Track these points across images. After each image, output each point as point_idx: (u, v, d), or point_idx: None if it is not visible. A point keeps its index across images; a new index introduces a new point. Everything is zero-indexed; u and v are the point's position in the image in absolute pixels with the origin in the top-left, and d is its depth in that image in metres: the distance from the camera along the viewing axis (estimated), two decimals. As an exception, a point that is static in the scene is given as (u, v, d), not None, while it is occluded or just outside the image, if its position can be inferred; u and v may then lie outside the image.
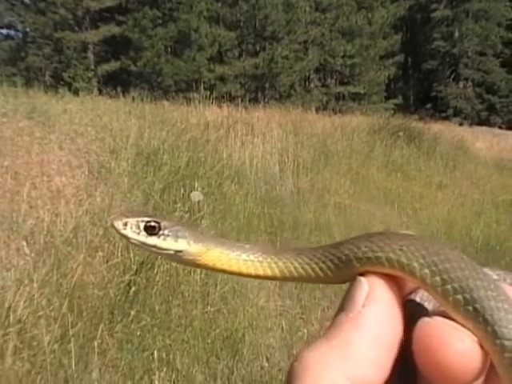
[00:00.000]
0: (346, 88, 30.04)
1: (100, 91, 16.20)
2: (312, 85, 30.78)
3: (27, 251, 4.00)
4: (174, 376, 3.32)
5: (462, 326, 0.37)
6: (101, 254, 4.34)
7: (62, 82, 20.81)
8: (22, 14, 26.67)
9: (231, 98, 16.03)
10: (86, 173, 6.03)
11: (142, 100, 11.11)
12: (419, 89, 38.10)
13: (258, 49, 27.93)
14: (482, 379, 0.37)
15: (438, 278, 0.38)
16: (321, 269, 0.46)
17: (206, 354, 3.61)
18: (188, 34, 25.59)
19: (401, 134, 13.51)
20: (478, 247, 6.61)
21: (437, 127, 17.66)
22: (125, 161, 6.35)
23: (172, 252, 0.51)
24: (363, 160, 11.11)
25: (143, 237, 0.51)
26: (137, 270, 4.15)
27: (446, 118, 29.75)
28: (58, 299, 3.57)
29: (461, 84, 33.93)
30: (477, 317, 0.36)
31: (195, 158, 7.15)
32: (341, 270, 0.44)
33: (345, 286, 0.43)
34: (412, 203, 8.82)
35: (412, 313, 0.40)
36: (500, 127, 30.97)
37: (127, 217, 0.52)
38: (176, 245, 0.51)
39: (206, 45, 26.29)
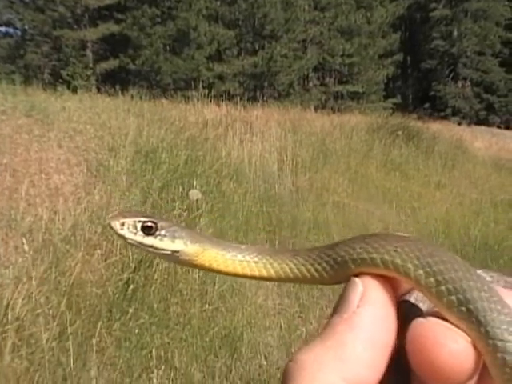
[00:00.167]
0: (345, 87, 30.08)
1: (99, 89, 16.17)
2: (311, 84, 30.79)
3: (26, 249, 4.00)
4: (172, 374, 3.32)
5: (456, 326, 0.37)
6: (99, 251, 4.34)
7: (60, 80, 20.76)
8: (20, 12, 26.66)
9: (230, 97, 16.04)
10: (85, 171, 6.02)
11: (140, 98, 11.09)
12: (418, 88, 38.15)
13: (256, 47, 27.92)
14: (475, 379, 0.37)
15: (432, 279, 0.38)
16: (316, 270, 0.46)
17: (205, 353, 3.61)
18: (187, 33, 25.58)
19: (399, 133, 13.53)
20: (476, 246, 6.61)
21: (435, 126, 17.69)
22: (123, 159, 6.34)
23: (169, 252, 0.51)
24: (362, 159, 11.12)
25: (140, 237, 0.51)
26: (135, 268, 4.15)
27: (445, 118, 29.80)
28: (57, 297, 3.57)
29: (459, 83, 33.97)
30: (470, 317, 0.36)
31: (194, 157, 7.15)
32: (336, 271, 0.44)
33: (344, 285, 0.43)
34: (410, 202, 8.83)
35: (406, 313, 0.40)
36: (498, 127, 31.05)
37: (124, 217, 0.52)
38: (173, 245, 0.51)
39: (204, 43, 26.29)
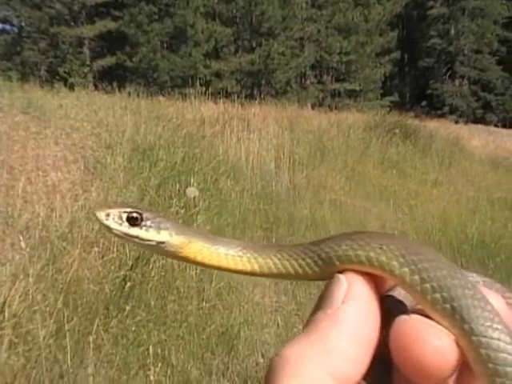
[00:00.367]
0: (342, 85, 30.07)
1: (96, 86, 16.12)
2: (308, 81, 30.78)
3: (22, 246, 3.99)
4: (169, 371, 3.32)
5: (439, 324, 0.37)
6: (96, 249, 4.34)
7: (57, 77, 20.73)
8: (17, 9, 26.55)
9: (227, 94, 16.04)
10: (82, 168, 6.01)
11: (137, 95, 11.10)
12: (415, 86, 38.17)
13: (254, 45, 27.89)
14: (454, 377, 0.37)
15: (417, 277, 0.38)
16: (300, 265, 0.46)
17: (202, 350, 3.61)
18: (184, 30, 25.55)
19: (397, 131, 13.54)
20: (473, 244, 6.62)
21: (432, 125, 17.72)
22: (120, 156, 6.34)
23: (154, 243, 0.51)
24: (359, 157, 11.13)
25: (125, 228, 0.51)
26: (132, 265, 4.15)
27: (442, 116, 29.82)
28: (54, 294, 3.57)
29: (457, 82, 34.00)
30: (454, 315, 0.36)
31: (191, 154, 7.15)
32: (320, 267, 0.44)
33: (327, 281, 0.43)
34: (407, 200, 8.84)
35: (390, 309, 0.40)
36: (495, 125, 31.12)
37: (110, 207, 0.51)
38: (158, 236, 0.51)
39: (202, 41, 26.26)
